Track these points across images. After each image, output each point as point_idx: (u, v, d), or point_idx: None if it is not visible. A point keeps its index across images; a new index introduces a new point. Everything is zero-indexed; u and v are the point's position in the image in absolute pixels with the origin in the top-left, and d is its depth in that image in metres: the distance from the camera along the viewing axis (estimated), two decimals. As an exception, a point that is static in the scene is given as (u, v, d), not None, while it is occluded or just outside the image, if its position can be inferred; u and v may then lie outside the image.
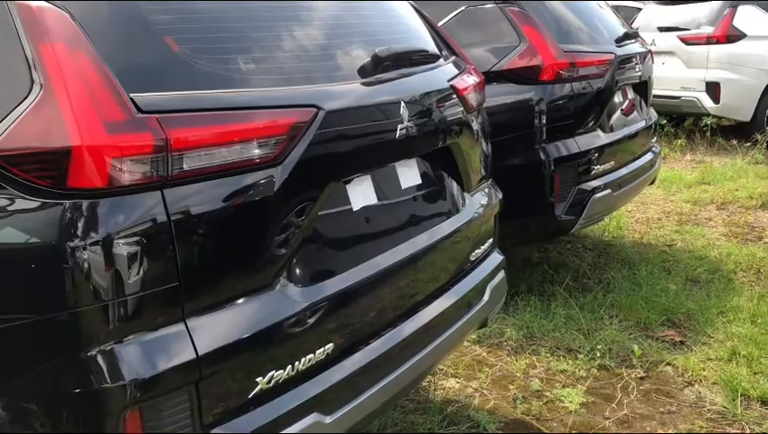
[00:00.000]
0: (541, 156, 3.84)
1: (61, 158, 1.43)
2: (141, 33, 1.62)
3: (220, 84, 1.69)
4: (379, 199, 2.10)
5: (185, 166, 1.54)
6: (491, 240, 2.73)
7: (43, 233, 1.45)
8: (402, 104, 2.08)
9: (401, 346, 2.06)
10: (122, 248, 1.46)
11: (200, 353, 1.55)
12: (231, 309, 1.64)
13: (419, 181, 2.30)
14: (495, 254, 2.76)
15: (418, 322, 2.16)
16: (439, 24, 3.97)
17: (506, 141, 3.84)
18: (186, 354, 1.54)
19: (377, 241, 2.08)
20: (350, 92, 1.96)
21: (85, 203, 1.44)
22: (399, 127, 2.06)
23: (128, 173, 1.46)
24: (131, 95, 1.50)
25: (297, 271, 1.81)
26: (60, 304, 1.45)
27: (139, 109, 1.50)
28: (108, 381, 1.45)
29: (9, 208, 1.47)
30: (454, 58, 2.66)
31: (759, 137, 7.64)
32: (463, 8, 4.03)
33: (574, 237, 5.06)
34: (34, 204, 1.45)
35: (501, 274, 2.74)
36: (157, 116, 1.50)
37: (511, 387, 3.27)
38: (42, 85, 1.45)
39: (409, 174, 2.24)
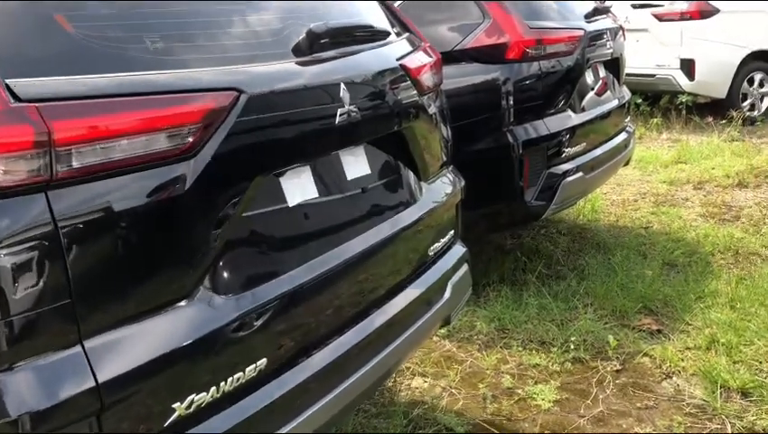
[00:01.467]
0: (509, 139, 3.64)
1: None
2: (26, 8, 1.38)
3: (124, 67, 1.46)
4: (320, 193, 1.88)
5: (74, 164, 1.31)
6: (452, 231, 2.53)
7: None
8: (342, 86, 1.86)
9: (351, 354, 1.86)
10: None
11: (100, 381, 1.34)
12: (140, 326, 1.43)
13: (368, 171, 2.09)
14: (457, 247, 2.56)
15: (370, 326, 1.96)
16: (399, 3, 3.76)
17: (472, 124, 3.65)
18: (84, 382, 1.33)
19: (319, 240, 1.87)
20: (279, 73, 1.74)
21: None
22: (340, 111, 1.84)
23: (3, 173, 1.23)
24: (8, 81, 1.27)
25: (222, 278, 1.59)
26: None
27: (16, 98, 1.27)
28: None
29: None
30: (406, 35, 2.45)
31: (734, 114, 7.51)
32: (423, -15, 3.80)
33: (547, 221, 4.88)
34: None
35: (464, 268, 2.54)
36: (38, 105, 1.27)
37: (481, 385, 3.09)
38: None
39: (356, 164, 2.03)
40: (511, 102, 3.64)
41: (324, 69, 1.86)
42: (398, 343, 2.02)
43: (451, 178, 2.59)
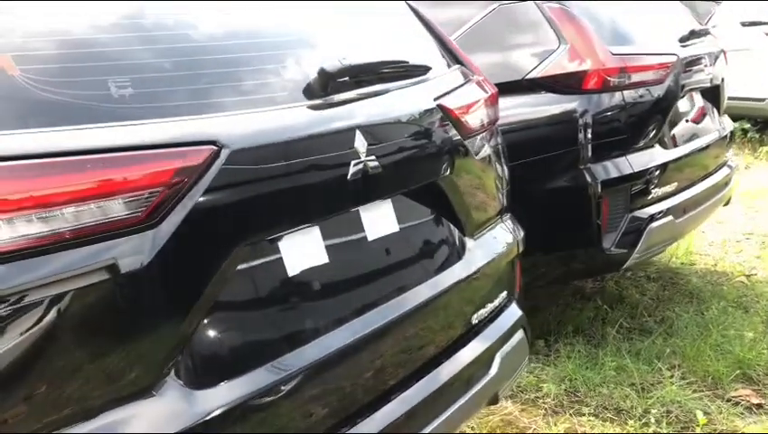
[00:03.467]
0: (586, 178, 3.25)
1: None
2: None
3: (81, 119, 1.23)
4: (332, 257, 1.60)
5: (3, 236, 1.08)
6: (504, 293, 2.19)
7: None
8: (358, 133, 1.58)
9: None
10: None
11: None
12: (81, 431, 1.18)
13: (395, 228, 1.79)
14: (511, 311, 2.21)
15: (389, 416, 1.65)
16: (467, 27, 3.46)
17: (544, 160, 3.30)
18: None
19: (327, 315, 1.59)
20: (275, 122, 1.47)
21: None
22: (354, 162, 1.56)
23: None
24: None
25: (192, 368, 1.33)
26: None
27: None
28: None
29: None
30: (455, 68, 2.14)
31: None
32: (494, 7, 3.48)
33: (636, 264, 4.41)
34: None
35: (519, 336, 2.19)
36: None
37: (543, 462, 2.71)
38: None
39: (379, 222, 1.74)
40: (589, 137, 3.25)
41: (336, 114, 1.59)
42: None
43: (505, 230, 2.25)
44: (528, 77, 3.34)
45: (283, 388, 1.43)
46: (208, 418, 1.31)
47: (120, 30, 1.38)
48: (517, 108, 3.31)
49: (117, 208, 1.19)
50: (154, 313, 1.26)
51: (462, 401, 1.86)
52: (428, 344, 1.84)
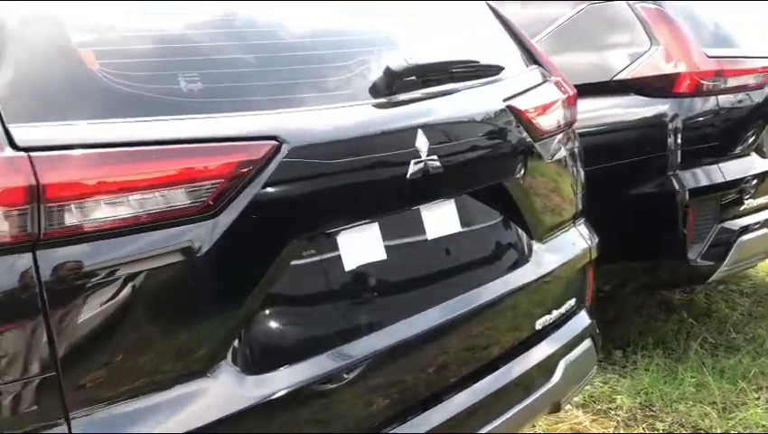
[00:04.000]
0: (673, 186, 3.12)
1: None
2: (49, 40, 1.27)
3: (151, 112, 1.30)
4: (389, 254, 1.61)
5: (67, 221, 1.16)
6: (573, 300, 2.14)
7: None
8: (420, 132, 1.58)
9: None
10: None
11: (82, 467, 1.18)
12: (139, 406, 1.25)
13: (457, 228, 1.78)
14: (579, 318, 2.16)
15: (445, 413, 1.66)
16: (554, 26, 3.38)
17: (629, 165, 3.20)
18: (64, 467, 1.17)
19: (382, 310, 1.60)
20: (335, 119, 1.50)
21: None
22: (414, 161, 1.57)
23: None
24: (11, 125, 1.15)
25: (248, 354, 1.38)
26: None
27: (13, 145, 1.14)
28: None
29: None
30: (532, 68, 2.11)
31: None
32: (584, 6, 3.39)
33: (728, 277, 4.20)
34: None
35: (586, 345, 2.14)
36: (32, 154, 1.14)
37: (610, 475, 2.63)
38: None
39: (440, 221, 1.73)
40: (679, 142, 3.12)
41: (399, 113, 1.60)
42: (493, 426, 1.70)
43: (578, 235, 2.20)
44: (616, 78, 3.23)
45: (335, 380, 1.46)
46: (258, 403, 1.35)
47: (191, 27, 1.44)
48: (603, 110, 3.22)
49: (181, 197, 1.25)
50: (213, 298, 1.32)
51: (520, 406, 1.83)
52: (488, 347, 1.82)
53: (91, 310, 1.20)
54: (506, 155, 1.86)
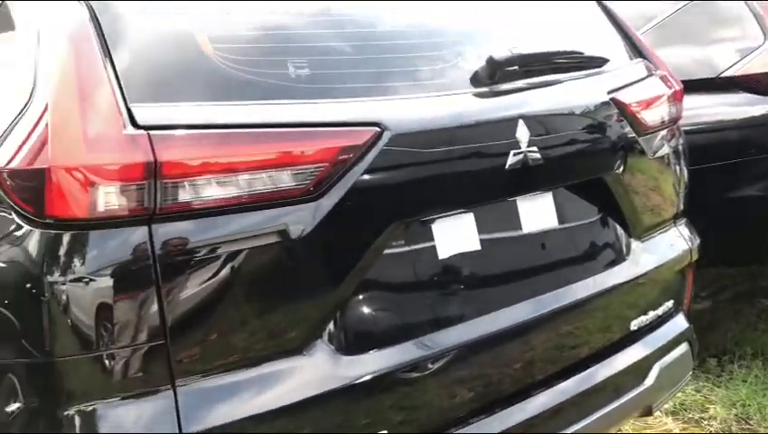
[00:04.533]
0: (782, 188, 2.96)
1: (38, 180, 1.19)
2: (169, 25, 1.33)
3: (262, 95, 1.35)
4: (484, 245, 1.61)
5: (181, 198, 1.22)
6: (670, 302, 2.07)
7: (22, 267, 1.23)
8: (521, 123, 1.57)
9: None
10: (92, 293, 1.19)
11: (183, 431, 1.24)
12: (238, 379, 1.30)
13: (554, 223, 1.75)
14: (676, 322, 2.09)
15: (532, 409, 1.64)
16: (658, 20, 3.26)
17: (735, 166, 3.04)
18: (168, 431, 1.23)
19: (473, 301, 1.60)
20: (436, 107, 1.50)
21: (59, 236, 1.19)
22: (513, 152, 1.55)
23: (106, 202, 1.18)
24: (132, 105, 1.22)
25: (342, 334, 1.41)
26: (30, 348, 1.22)
27: (134, 124, 1.21)
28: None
29: (9, 236, 1.26)
30: (637, 62, 2.04)
31: None
32: (688, 2, 3.25)
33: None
34: (22, 234, 1.23)
35: (682, 349, 2.06)
36: (151, 133, 1.20)
37: (701, 488, 2.53)
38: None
39: (537, 214, 1.71)
40: (790, 144, 2.95)
41: (500, 103, 1.58)
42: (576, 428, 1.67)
43: (678, 235, 2.12)
44: (723, 75, 3.09)
45: (426, 366, 1.47)
46: (353, 383, 1.38)
47: (299, 17, 1.48)
48: (707, 108, 3.08)
49: (285, 179, 1.29)
50: (311, 279, 1.35)
51: (610, 408, 1.79)
52: (579, 345, 1.79)
53: (198, 284, 1.25)
54: (607, 150, 1.82)
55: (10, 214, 1.25)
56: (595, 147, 1.79)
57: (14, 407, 1.25)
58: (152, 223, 1.21)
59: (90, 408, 1.21)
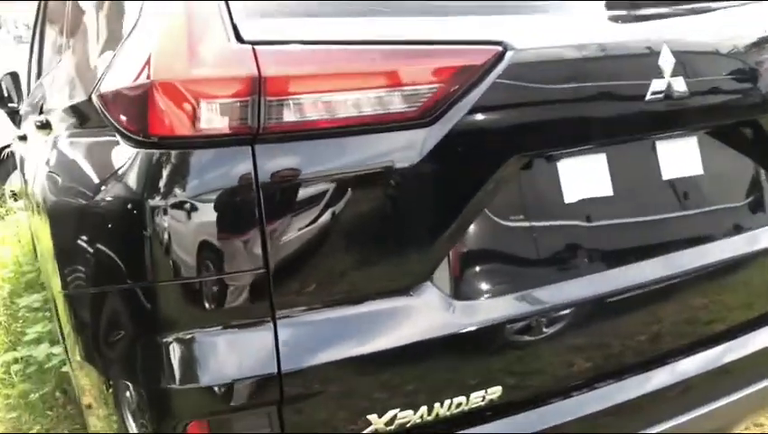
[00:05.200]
0: None
1: (141, 97, 1.15)
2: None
3: (371, 11, 1.24)
4: (617, 191, 1.43)
5: (286, 117, 1.14)
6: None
7: (125, 189, 1.20)
8: (665, 49, 1.37)
9: (618, 417, 1.41)
10: (193, 217, 1.13)
11: (283, 370, 1.17)
12: (339, 316, 1.22)
13: (699, 170, 1.55)
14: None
15: (655, 382, 1.46)
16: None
17: None
18: (266, 366, 1.17)
19: (601, 252, 1.43)
20: (567, 28, 1.34)
21: (163, 156, 1.14)
22: (655, 84, 1.36)
23: (209, 119, 1.12)
24: (237, 20, 1.15)
25: (452, 277, 1.29)
26: (129, 274, 1.19)
27: (239, 38, 1.14)
28: (171, 379, 1.16)
29: (114, 159, 1.25)
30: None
31: None
32: None
33: None
34: (126, 156, 1.20)
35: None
36: (257, 48, 1.13)
37: None
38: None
39: (679, 159, 1.51)
40: None
41: (641, 27, 1.40)
42: (695, 415, 1.47)
43: None
44: None
45: (540, 321, 1.33)
46: (461, 331, 1.27)
47: None
48: None
49: (394, 101, 1.18)
50: (421, 214, 1.24)
51: (749, 391, 1.57)
52: (716, 315, 1.57)
53: (301, 211, 1.17)
54: (766, 88, 1.58)
55: (114, 136, 1.22)
56: (752, 85, 1.56)
57: (115, 334, 1.23)
58: (255, 144, 1.13)
59: (189, 336, 1.16)
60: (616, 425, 1.43)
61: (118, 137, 1.21)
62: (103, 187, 1.25)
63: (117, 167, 1.22)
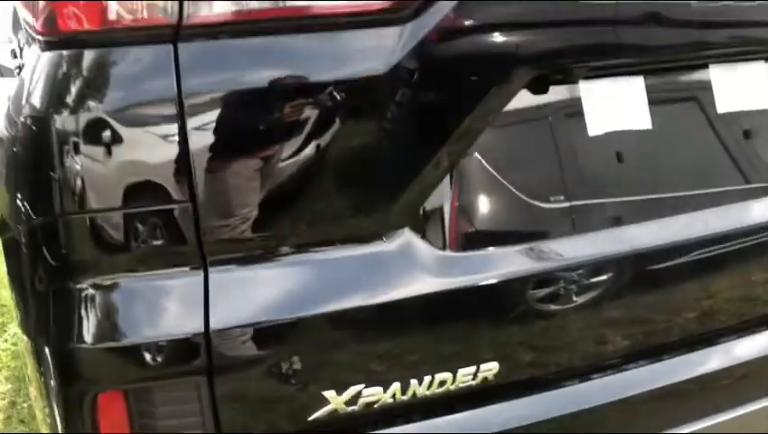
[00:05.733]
0: None
1: None
2: None
3: None
4: (656, 124, 1.13)
5: (215, 8, 0.89)
6: None
7: (29, 100, 0.97)
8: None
9: (633, 408, 1.13)
10: (99, 134, 0.90)
11: (212, 328, 0.92)
12: (288, 264, 0.97)
13: (764, 104, 1.23)
14: None
15: (678, 372, 1.18)
16: None
17: None
18: (191, 324, 0.93)
19: (627, 204, 1.14)
20: None
21: (65, 58, 0.91)
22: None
23: (117, 9, 0.87)
24: None
25: (436, 223, 1.02)
26: (39, 205, 0.96)
27: None
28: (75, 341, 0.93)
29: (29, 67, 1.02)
30: None
31: None
32: None
33: None
34: (37, 62, 0.97)
35: None
36: None
37: None
38: None
39: (741, 88, 1.20)
40: None
41: None
42: (729, 416, 1.18)
43: None
44: None
45: (548, 282, 1.05)
46: (452, 287, 1.00)
47: None
48: None
49: None
50: (393, 140, 0.97)
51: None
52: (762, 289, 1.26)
53: (237, 130, 0.92)
54: None
55: (31, 44, 0.99)
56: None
57: (31, 279, 1.00)
58: (178, 41, 0.89)
59: (102, 283, 0.93)
60: (653, 415, 1.15)
61: (35, 45, 0.98)
62: (9, 105, 1.03)
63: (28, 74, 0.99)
